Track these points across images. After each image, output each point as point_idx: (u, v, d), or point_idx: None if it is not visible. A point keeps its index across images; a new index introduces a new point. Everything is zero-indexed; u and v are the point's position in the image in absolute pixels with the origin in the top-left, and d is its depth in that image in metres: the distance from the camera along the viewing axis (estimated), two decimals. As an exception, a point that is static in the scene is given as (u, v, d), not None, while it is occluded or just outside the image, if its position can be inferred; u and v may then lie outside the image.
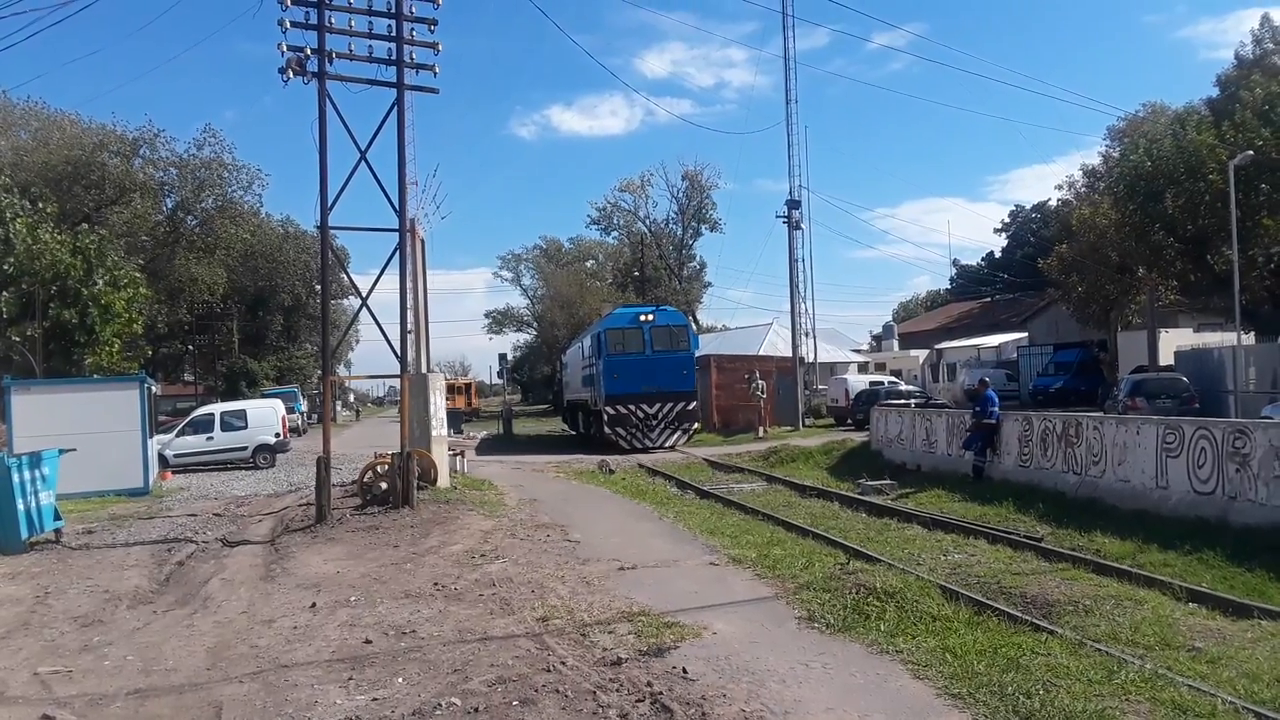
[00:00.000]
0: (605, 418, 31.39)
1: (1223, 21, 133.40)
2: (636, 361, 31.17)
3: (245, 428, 29.61)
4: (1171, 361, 34.83)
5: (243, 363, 60.42)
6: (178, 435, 28.92)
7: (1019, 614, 8.47)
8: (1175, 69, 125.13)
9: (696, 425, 33.40)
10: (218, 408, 32.20)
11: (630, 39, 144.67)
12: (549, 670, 7.16)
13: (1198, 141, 31.90)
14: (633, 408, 31.12)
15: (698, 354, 36.90)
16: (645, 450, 30.46)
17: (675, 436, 31.91)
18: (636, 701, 6.43)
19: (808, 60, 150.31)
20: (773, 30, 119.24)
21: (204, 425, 29.39)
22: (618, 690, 6.67)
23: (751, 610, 8.90)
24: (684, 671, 7.02)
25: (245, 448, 29.42)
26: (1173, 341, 38.26)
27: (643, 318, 32.18)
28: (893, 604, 8.42)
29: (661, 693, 6.53)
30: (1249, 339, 32.64)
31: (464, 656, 7.64)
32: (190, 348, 65.29)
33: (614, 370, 31.21)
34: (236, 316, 64.08)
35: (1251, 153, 28.55)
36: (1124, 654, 7.11)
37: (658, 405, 31.29)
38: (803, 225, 41.23)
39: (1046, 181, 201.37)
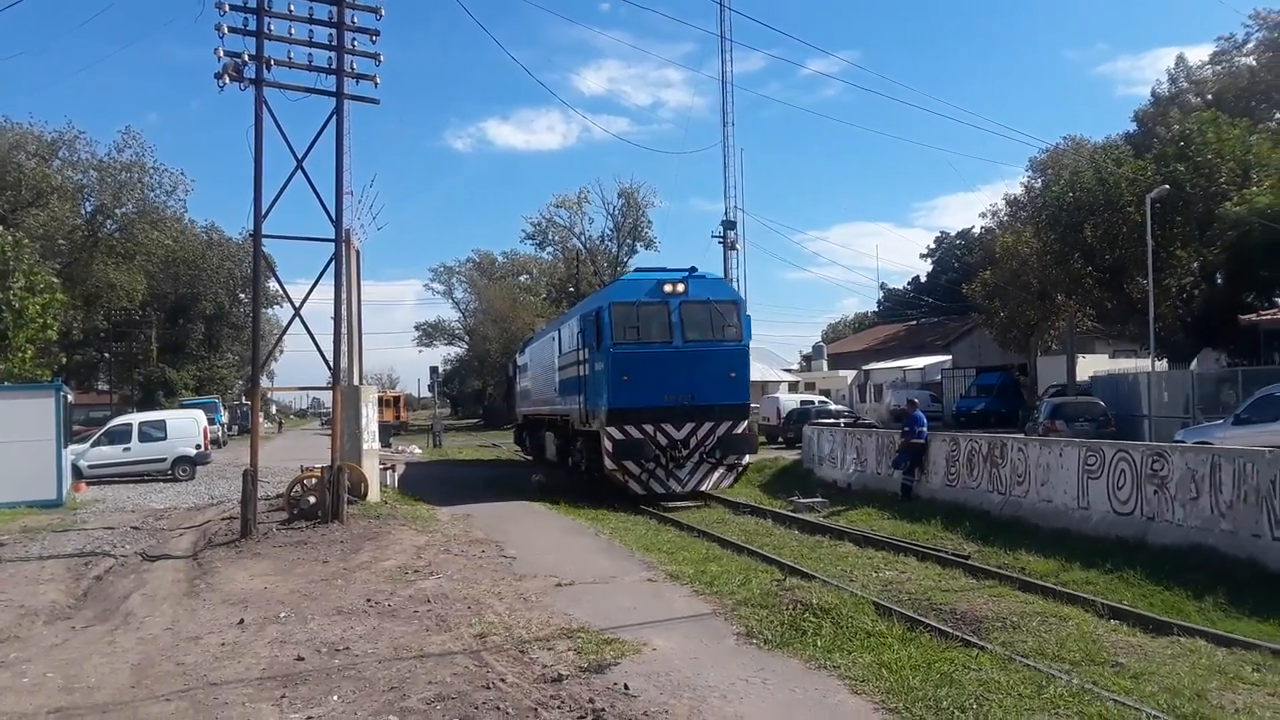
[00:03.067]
0: (608, 446, 19.35)
1: (1140, 59, 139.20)
2: (659, 357, 19.62)
3: (164, 439, 28.70)
4: (1089, 385, 35.99)
5: (161, 372, 58.52)
6: (93, 445, 27.89)
7: (950, 630, 8.65)
8: (1095, 104, 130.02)
9: (749, 460, 21.20)
10: (136, 417, 31.17)
11: (568, 55, 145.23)
12: (489, 688, 7.09)
13: (1117, 175, 33.17)
14: (651, 430, 19.42)
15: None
16: (669, 497, 19.83)
17: (717, 476, 20.20)
18: (579, 718, 6.41)
19: (744, 83, 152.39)
20: (710, 52, 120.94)
21: (121, 435, 28.39)
22: (559, 707, 6.63)
23: (691, 626, 8.94)
24: (626, 688, 7.02)
25: (164, 459, 28.50)
26: (1090, 366, 39.61)
27: (669, 287, 19.94)
28: (829, 620, 8.55)
29: (604, 709, 6.51)
30: (1162, 365, 33.90)
31: (401, 674, 7.52)
32: (106, 355, 63.13)
33: (623, 370, 19.44)
34: (155, 324, 62.14)
35: (1167, 186, 29.81)
36: (1052, 669, 7.30)
37: (691, 426, 19.61)
38: (738, 246, 41.62)
39: (971, 209, 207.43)
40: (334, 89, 16.35)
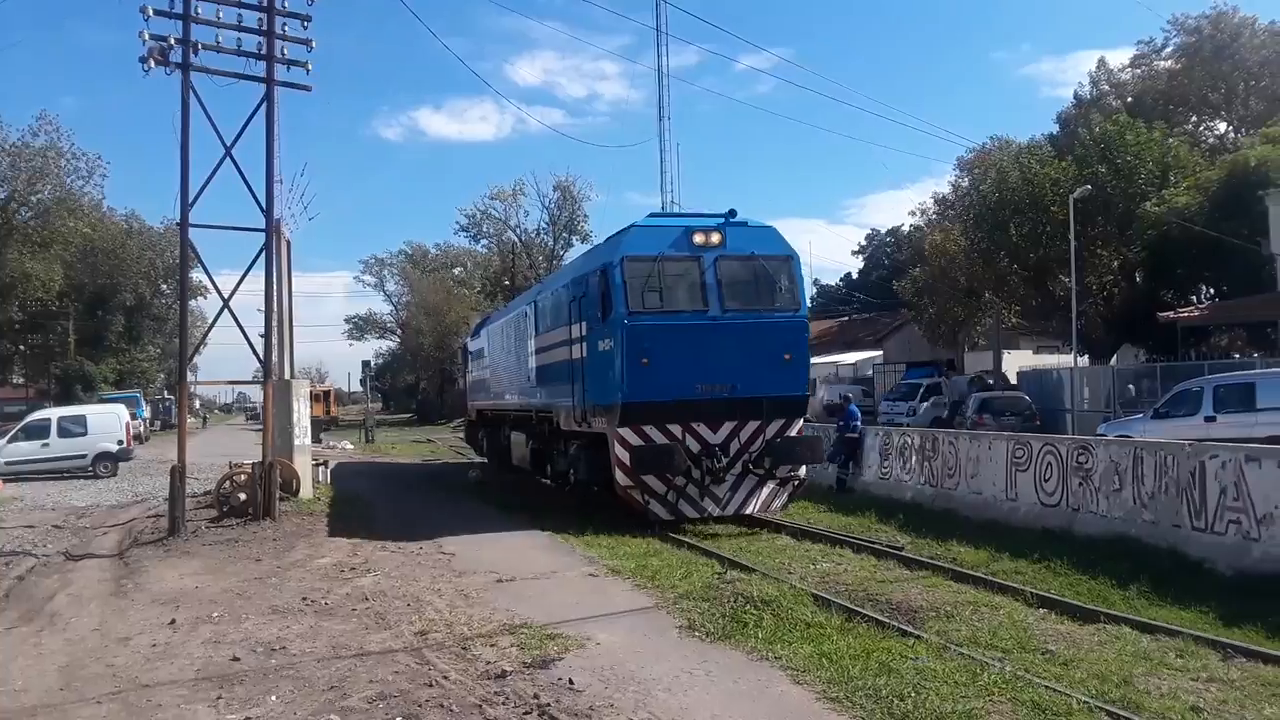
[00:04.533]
0: (622, 456, 14.12)
1: (1064, 61, 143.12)
2: (690, 332, 14.31)
3: (85, 434, 27.80)
4: (1015, 380, 36.99)
5: (79, 365, 56.61)
6: (9, 441, 26.91)
7: (887, 620, 8.80)
8: (1021, 104, 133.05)
9: (804, 477, 15.51)
10: (55, 412, 30.15)
11: (502, 45, 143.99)
12: (431, 685, 7.03)
13: (1041, 175, 34.10)
14: (678, 432, 14.31)
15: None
16: (702, 520, 14.79)
17: (767, 494, 15.08)
18: (524, 714, 6.39)
19: (680, 77, 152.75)
20: (646, 45, 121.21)
21: (39, 431, 27.42)
22: (504, 703, 6.60)
23: (634, 620, 8.96)
24: (570, 682, 7.01)
25: (85, 455, 27.60)
26: (1015, 362, 40.70)
27: (700, 237, 14.54)
28: (769, 612, 8.62)
29: (549, 704, 6.50)
30: (1084, 361, 34.99)
31: (340, 673, 7.41)
32: (21, 348, 60.86)
33: (642, 349, 14.06)
34: (73, 316, 60.02)
35: (1089, 187, 30.75)
36: (985, 657, 7.48)
37: (731, 427, 14.59)
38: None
39: (901, 207, 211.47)
40: (264, 75, 16.02)
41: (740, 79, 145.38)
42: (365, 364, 57.12)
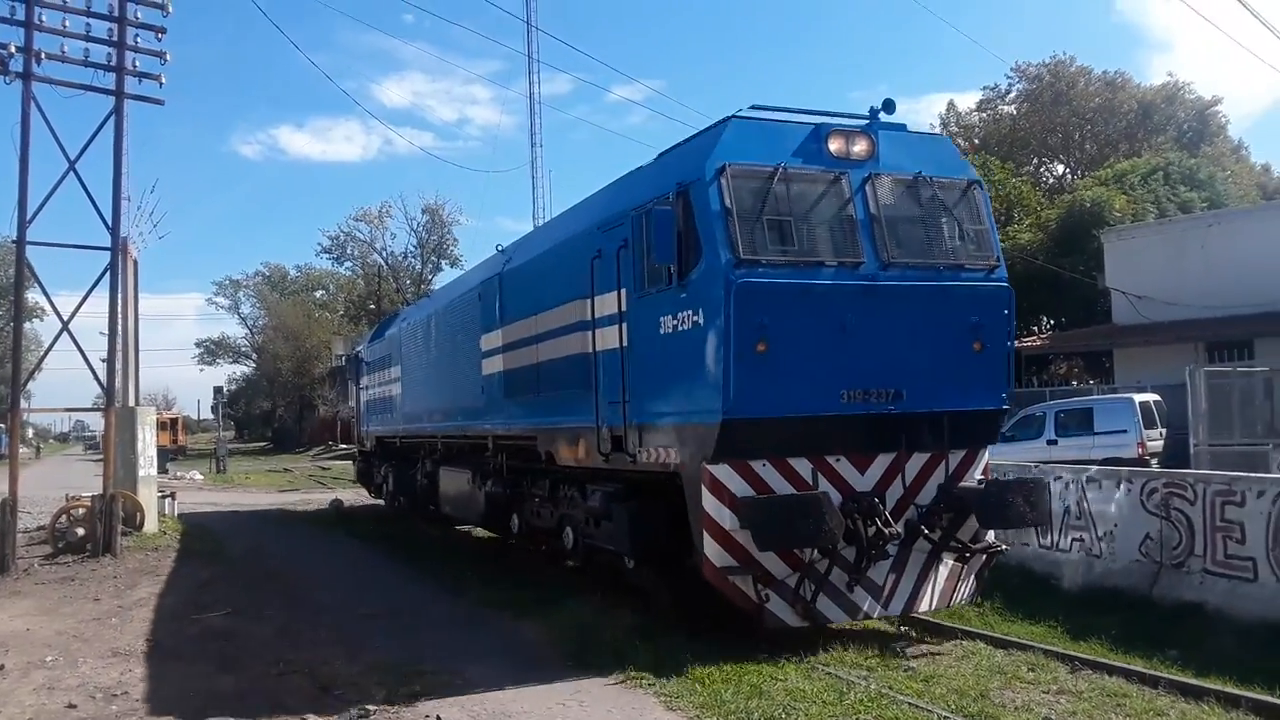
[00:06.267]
0: (721, 517, 8.02)
1: (918, 103, 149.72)
2: (834, 298, 8.25)
3: (-100, 467, 25.50)
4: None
5: (-105, 391, 52.09)
6: None
7: (756, 643, 8.89)
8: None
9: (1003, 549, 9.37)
10: None
11: (369, 64, 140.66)
12: (289, 728, 6.68)
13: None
14: (805, 469, 8.29)
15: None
16: (852, 618, 8.74)
17: (948, 577, 8.96)
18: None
19: (552, 104, 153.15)
20: (518, 71, 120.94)
21: None
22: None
23: (505, 652, 8.76)
24: (438, 719, 6.80)
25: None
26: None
27: (838, 144, 8.63)
28: (651, 642, 8.48)
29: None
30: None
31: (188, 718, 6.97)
32: None
33: (756, 325, 7.84)
34: (-111, 338, 55.31)
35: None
36: (851, 676, 7.66)
37: (889, 462, 8.63)
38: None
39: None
40: (113, 87, 15.23)
41: (613, 109, 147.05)
42: (217, 390, 54.46)
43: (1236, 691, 7.02)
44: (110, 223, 15.61)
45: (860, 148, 8.71)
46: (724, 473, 8.02)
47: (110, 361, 16.54)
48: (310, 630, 9.86)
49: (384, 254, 69.91)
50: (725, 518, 8.00)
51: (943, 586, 8.91)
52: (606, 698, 7.32)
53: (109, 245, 15.71)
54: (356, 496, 25.63)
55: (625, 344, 9.11)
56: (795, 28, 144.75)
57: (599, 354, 9.64)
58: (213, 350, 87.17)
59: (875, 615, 8.71)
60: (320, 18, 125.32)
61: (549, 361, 10.94)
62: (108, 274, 15.79)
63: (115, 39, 15.15)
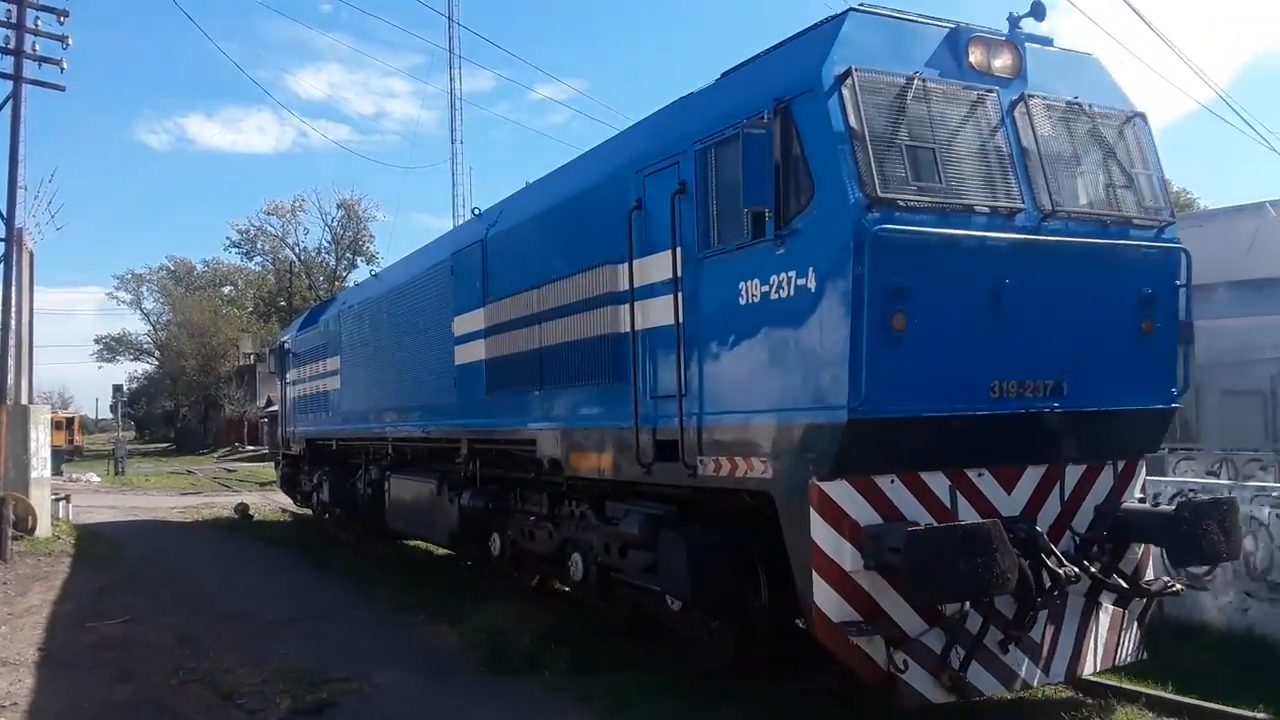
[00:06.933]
0: (835, 542, 5.98)
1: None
2: (988, 256, 6.23)
3: None
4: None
5: None
6: None
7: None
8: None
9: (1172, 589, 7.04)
10: None
11: (283, 54, 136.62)
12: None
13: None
14: (940, 485, 6.34)
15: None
16: (1008, 688, 6.46)
17: (1109, 628, 6.72)
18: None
19: (474, 100, 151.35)
20: (438, 66, 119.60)
21: None
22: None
23: (416, 658, 8.65)
24: (345, 728, 6.70)
25: None
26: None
27: (978, 54, 6.63)
28: (567, 645, 8.38)
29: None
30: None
31: (82, 731, 6.74)
32: None
33: (894, 292, 5.86)
34: None
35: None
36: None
37: (1039, 476, 6.69)
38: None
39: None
40: (11, 71, 14.63)
41: (535, 107, 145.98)
42: (117, 388, 52.33)
43: None
44: (5, 212, 15.01)
45: (1005, 61, 6.81)
46: (842, 492, 6.01)
47: (2, 357, 15.84)
48: (212, 637, 9.60)
49: (296, 249, 68.40)
50: (845, 555, 5.95)
51: (1105, 639, 6.75)
52: (528, 704, 7.29)
53: (3, 236, 15.06)
54: (264, 500, 25.02)
55: (681, 319, 7.07)
56: (722, 27, 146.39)
57: (639, 334, 7.53)
58: (113, 347, 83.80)
59: (1035, 683, 6.57)
60: (233, 4, 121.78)
61: (559, 346, 8.79)
62: (1, 265, 15.12)
63: (14, 21, 14.55)
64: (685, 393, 6.98)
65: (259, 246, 69.73)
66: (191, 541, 17.95)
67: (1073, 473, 6.77)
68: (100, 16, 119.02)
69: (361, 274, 62.50)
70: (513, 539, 10.35)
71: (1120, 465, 6.99)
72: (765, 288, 6.37)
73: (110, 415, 64.87)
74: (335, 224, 67.05)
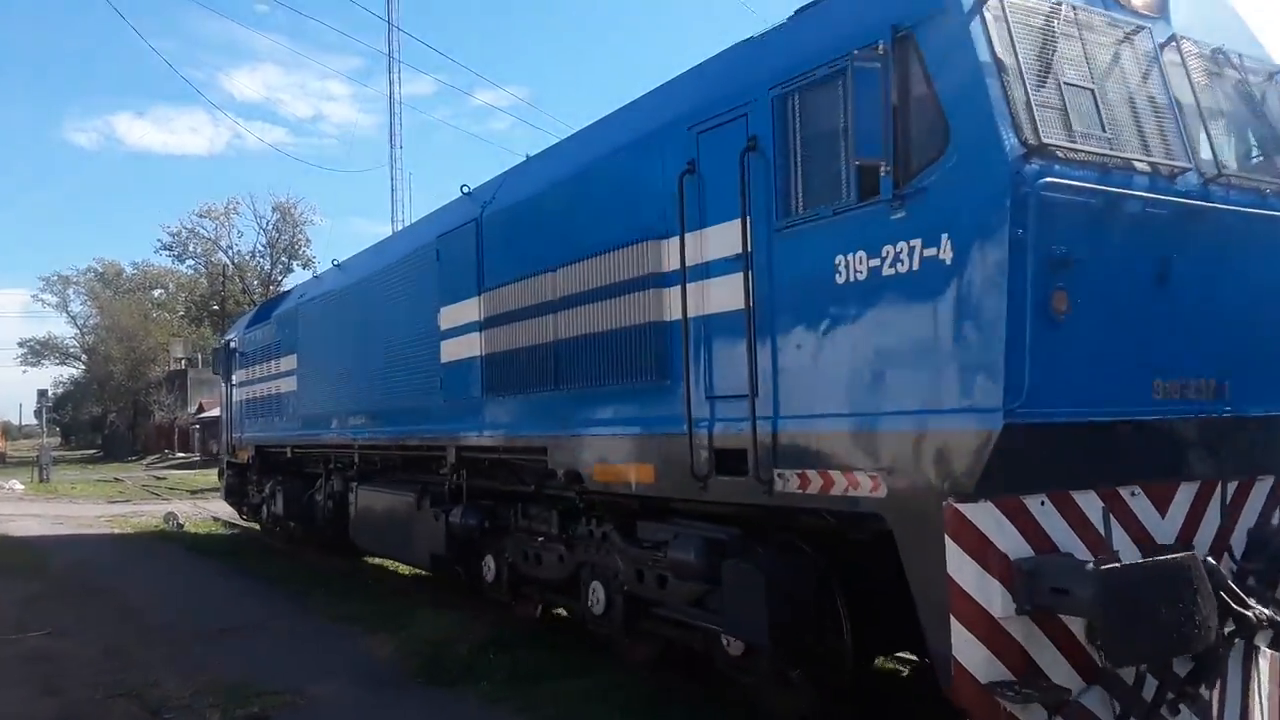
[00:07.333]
0: (982, 581, 4.67)
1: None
2: (1154, 225, 5.07)
3: None
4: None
5: None
6: None
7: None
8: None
9: None
10: None
11: (217, 54, 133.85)
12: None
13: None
14: (1093, 507, 5.01)
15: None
16: None
17: (1270, 678, 5.51)
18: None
19: (414, 105, 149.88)
20: (377, 69, 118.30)
21: None
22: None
23: (359, 670, 8.48)
24: (278, 741, 6.59)
25: None
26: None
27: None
28: (509, 655, 8.32)
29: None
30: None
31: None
32: None
33: (1057, 265, 4.66)
34: None
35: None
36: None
37: (1193, 493, 5.47)
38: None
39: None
40: (-70, 66, 14.08)
41: (476, 113, 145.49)
42: (41, 393, 50.82)
43: None
44: (-78, 212, 14.42)
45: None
46: (986, 516, 4.74)
47: (-82, 362, 15.25)
48: (141, 650, 9.34)
49: (230, 253, 67.11)
50: (994, 596, 4.70)
51: (1269, 690, 5.60)
52: (466, 714, 7.24)
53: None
54: (195, 509, 24.46)
55: (752, 303, 5.85)
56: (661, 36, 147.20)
57: (691, 321, 6.33)
58: (38, 350, 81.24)
59: None
60: (165, 1, 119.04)
61: (581, 338, 7.49)
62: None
63: (-67, 15, 14.05)
64: (758, 393, 5.79)
65: (191, 249, 68.43)
66: (120, 551, 17.46)
67: (1241, 489, 5.73)
68: (25, 11, 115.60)
69: (299, 278, 61.46)
70: (511, 562, 9.11)
71: (1271, 481, 5.85)
72: (876, 261, 5.16)
73: (35, 421, 62.82)
74: (270, 227, 66.03)
